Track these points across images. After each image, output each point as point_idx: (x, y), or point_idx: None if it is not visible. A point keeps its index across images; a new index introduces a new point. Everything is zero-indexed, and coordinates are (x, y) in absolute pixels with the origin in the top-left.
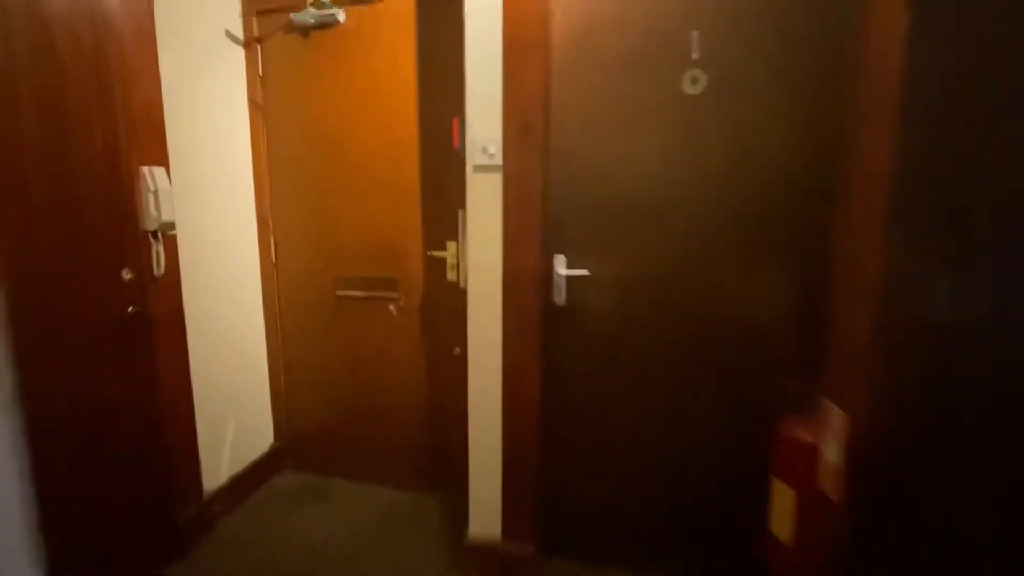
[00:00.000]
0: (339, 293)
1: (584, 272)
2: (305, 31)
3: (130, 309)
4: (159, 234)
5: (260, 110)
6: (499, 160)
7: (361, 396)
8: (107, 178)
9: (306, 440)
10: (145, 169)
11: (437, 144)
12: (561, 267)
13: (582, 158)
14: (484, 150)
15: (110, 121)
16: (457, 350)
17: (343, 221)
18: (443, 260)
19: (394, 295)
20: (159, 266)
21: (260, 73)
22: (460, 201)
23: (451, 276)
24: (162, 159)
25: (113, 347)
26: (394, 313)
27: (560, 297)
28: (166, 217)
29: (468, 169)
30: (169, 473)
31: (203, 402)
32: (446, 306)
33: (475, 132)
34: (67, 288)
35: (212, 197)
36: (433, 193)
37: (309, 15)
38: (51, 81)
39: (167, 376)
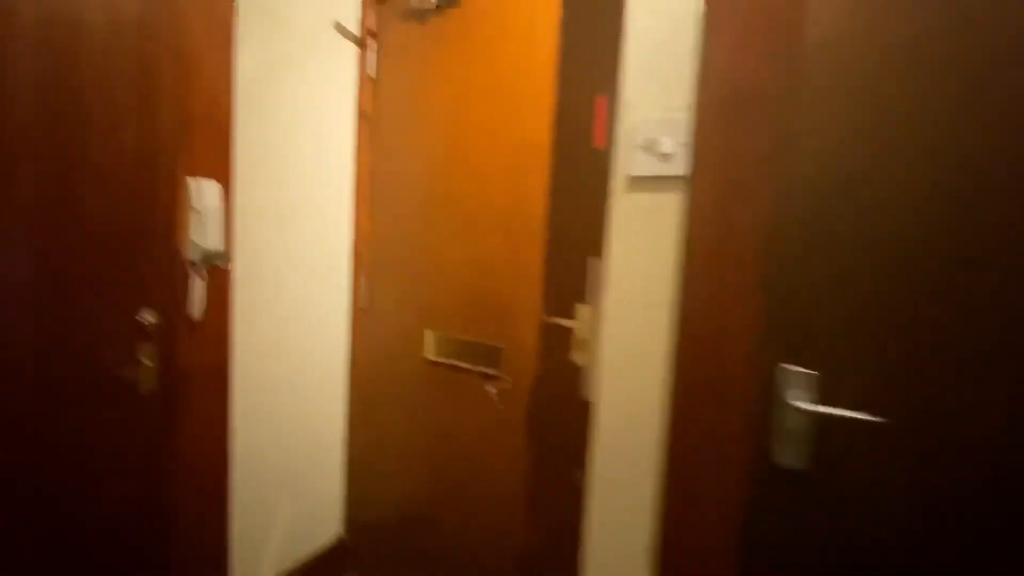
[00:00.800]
0: (429, 356)
1: (862, 415)
2: (422, 16)
3: (144, 361)
4: (201, 266)
5: (367, 120)
6: (680, 167)
7: (444, 506)
8: (134, 189)
9: (375, 542)
10: (191, 181)
11: (580, 149)
12: (799, 393)
13: (877, 162)
14: (651, 147)
15: (149, 117)
16: (578, 476)
17: (443, 259)
18: (569, 332)
19: (495, 373)
20: (197, 307)
21: (373, 74)
22: (596, 242)
23: (579, 359)
24: (221, 171)
25: (112, 408)
26: (493, 398)
27: (792, 453)
28: (211, 245)
29: (616, 184)
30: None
31: (251, 474)
32: (568, 402)
33: (635, 114)
34: (53, 329)
35: (297, 223)
36: (566, 228)
37: None
38: (64, 60)
39: (194, 445)
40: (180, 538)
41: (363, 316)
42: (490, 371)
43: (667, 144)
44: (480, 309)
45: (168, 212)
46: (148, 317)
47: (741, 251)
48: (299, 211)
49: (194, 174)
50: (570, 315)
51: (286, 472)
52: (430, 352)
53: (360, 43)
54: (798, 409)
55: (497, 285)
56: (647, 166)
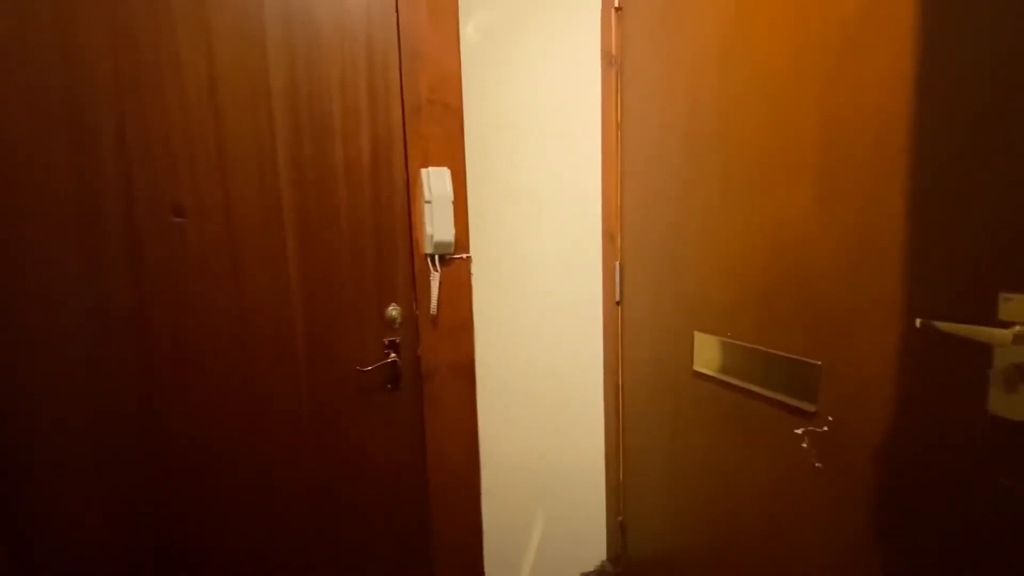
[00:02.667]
0: (698, 368)
1: None
2: None
3: (391, 357)
4: (436, 259)
5: (615, 65)
6: None
7: (726, 564)
8: (372, 186)
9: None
10: (423, 172)
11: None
12: None
13: None
14: None
15: (382, 111)
16: None
17: (717, 232)
18: (981, 351)
19: (806, 406)
20: (435, 301)
21: (616, 4)
22: None
23: (1010, 410)
24: (452, 156)
25: (364, 405)
26: (804, 446)
27: None
28: (445, 235)
29: None
30: None
31: (502, 486)
32: (971, 502)
33: None
34: (315, 332)
35: (538, 203)
36: (971, 144)
37: None
38: (306, 62)
39: (443, 443)
40: (434, 539)
41: (616, 311)
42: (796, 402)
43: None
44: (778, 302)
45: (403, 205)
46: (393, 313)
47: None
48: (539, 188)
49: (426, 163)
50: (985, 318)
51: (541, 486)
52: (701, 363)
53: None
54: None
55: (805, 265)
56: None
